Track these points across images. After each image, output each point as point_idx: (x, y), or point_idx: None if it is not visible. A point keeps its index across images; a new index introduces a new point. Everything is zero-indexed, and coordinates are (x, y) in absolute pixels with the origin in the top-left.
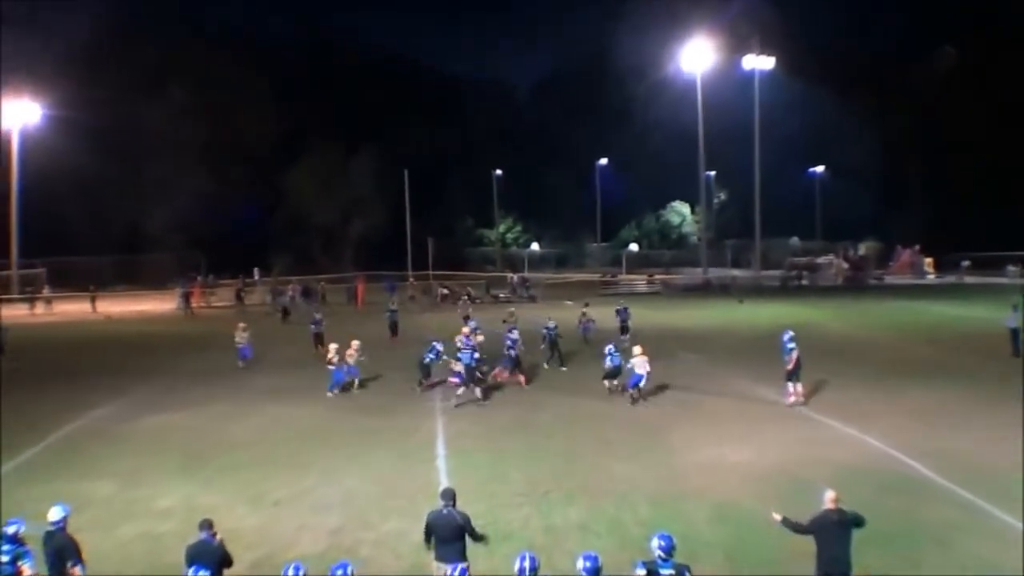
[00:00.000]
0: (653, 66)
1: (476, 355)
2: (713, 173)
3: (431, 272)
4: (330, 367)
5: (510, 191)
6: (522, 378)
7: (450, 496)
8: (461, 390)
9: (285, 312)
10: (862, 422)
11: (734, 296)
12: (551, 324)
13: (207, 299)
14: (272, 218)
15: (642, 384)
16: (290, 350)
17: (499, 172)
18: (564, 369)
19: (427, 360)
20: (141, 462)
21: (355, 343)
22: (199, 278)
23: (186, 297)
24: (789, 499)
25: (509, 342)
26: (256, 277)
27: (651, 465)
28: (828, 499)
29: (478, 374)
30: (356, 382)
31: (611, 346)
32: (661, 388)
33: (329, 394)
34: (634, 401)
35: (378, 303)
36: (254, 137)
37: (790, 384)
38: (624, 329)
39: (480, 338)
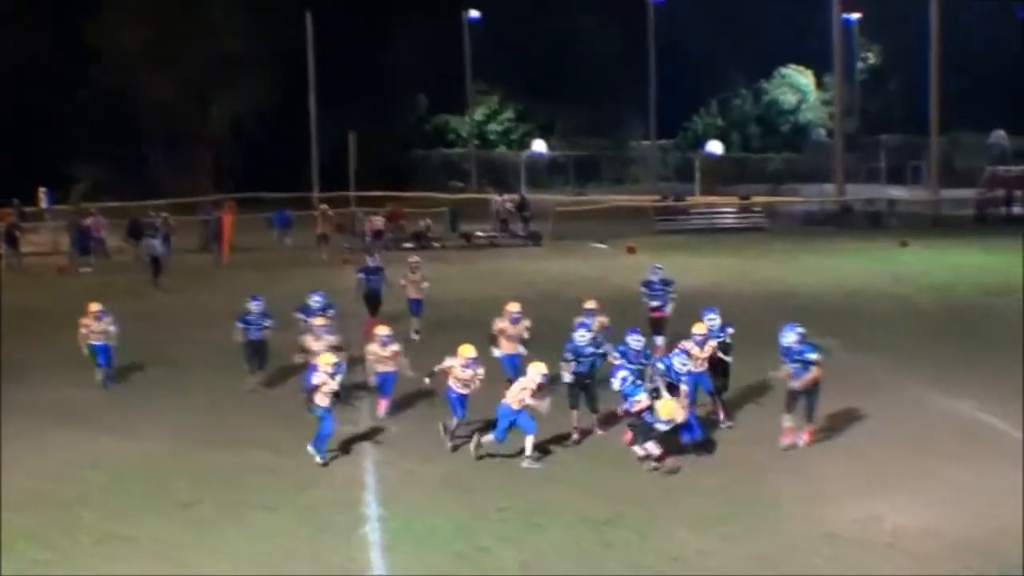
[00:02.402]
0: None
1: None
2: (856, 17)
3: (352, 193)
4: (317, 408)
5: (495, 48)
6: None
7: None
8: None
9: (155, 264)
10: None
11: (892, 234)
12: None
13: None
14: (71, 98)
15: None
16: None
17: (475, 15)
18: (728, 425)
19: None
20: None
21: (327, 359)
22: None
23: None
24: None
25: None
26: (44, 204)
27: (748, 532)
28: None
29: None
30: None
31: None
32: (765, 395)
33: (318, 460)
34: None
35: (259, 250)
36: None
37: (787, 417)
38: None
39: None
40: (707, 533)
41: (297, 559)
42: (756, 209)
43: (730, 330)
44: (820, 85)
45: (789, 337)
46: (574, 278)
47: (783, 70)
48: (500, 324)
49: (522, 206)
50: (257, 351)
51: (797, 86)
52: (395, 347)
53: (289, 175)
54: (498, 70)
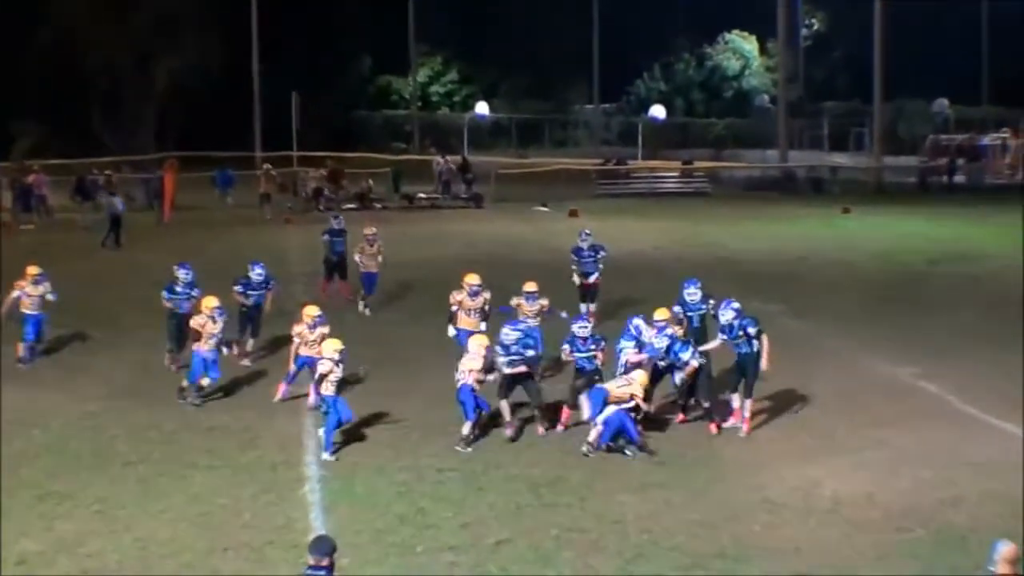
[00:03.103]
0: None
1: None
2: None
3: (295, 153)
4: (324, 398)
5: (438, 9)
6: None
7: (325, 550)
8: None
9: (115, 224)
10: None
11: (834, 201)
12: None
13: None
14: (14, 56)
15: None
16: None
17: None
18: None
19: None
20: None
21: (334, 345)
22: None
23: None
24: (929, 557)
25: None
26: None
27: (689, 498)
28: (1002, 559)
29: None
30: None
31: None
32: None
33: (326, 456)
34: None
35: (202, 208)
36: None
37: (735, 397)
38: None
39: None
40: (648, 498)
41: (237, 519)
42: (699, 174)
43: (712, 302)
44: (764, 51)
45: (727, 315)
46: (516, 240)
47: (727, 36)
48: (458, 297)
49: (464, 168)
50: (180, 327)
51: (741, 52)
52: (324, 330)
53: (232, 134)
54: (441, 32)
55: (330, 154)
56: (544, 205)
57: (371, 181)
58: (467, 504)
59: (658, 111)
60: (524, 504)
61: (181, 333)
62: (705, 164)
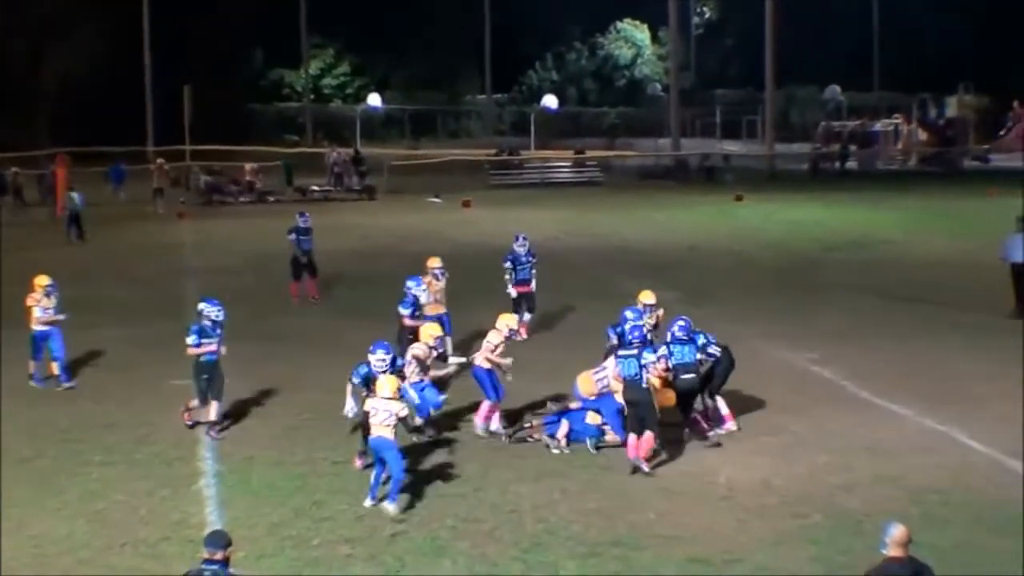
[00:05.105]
0: None
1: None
2: None
3: (188, 147)
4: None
5: (329, 2)
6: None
7: (220, 543)
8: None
9: (75, 222)
10: (956, 409)
11: (727, 189)
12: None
13: None
14: None
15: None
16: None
17: None
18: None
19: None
20: None
21: (393, 383)
22: None
23: None
24: (825, 541)
25: None
26: None
27: (585, 486)
28: (893, 541)
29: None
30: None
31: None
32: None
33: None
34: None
35: (95, 204)
36: None
37: (722, 402)
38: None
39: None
40: (544, 487)
41: (134, 515)
42: (591, 163)
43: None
44: (656, 40)
45: (677, 327)
46: (409, 232)
47: (619, 24)
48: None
49: (357, 160)
50: (212, 375)
51: (633, 40)
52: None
53: (125, 129)
54: (334, 23)
55: (223, 147)
56: (437, 196)
57: (253, 165)
58: (363, 496)
59: (550, 101)
60: (418, 494)
61: (212, 381)
62: (598, 153)
